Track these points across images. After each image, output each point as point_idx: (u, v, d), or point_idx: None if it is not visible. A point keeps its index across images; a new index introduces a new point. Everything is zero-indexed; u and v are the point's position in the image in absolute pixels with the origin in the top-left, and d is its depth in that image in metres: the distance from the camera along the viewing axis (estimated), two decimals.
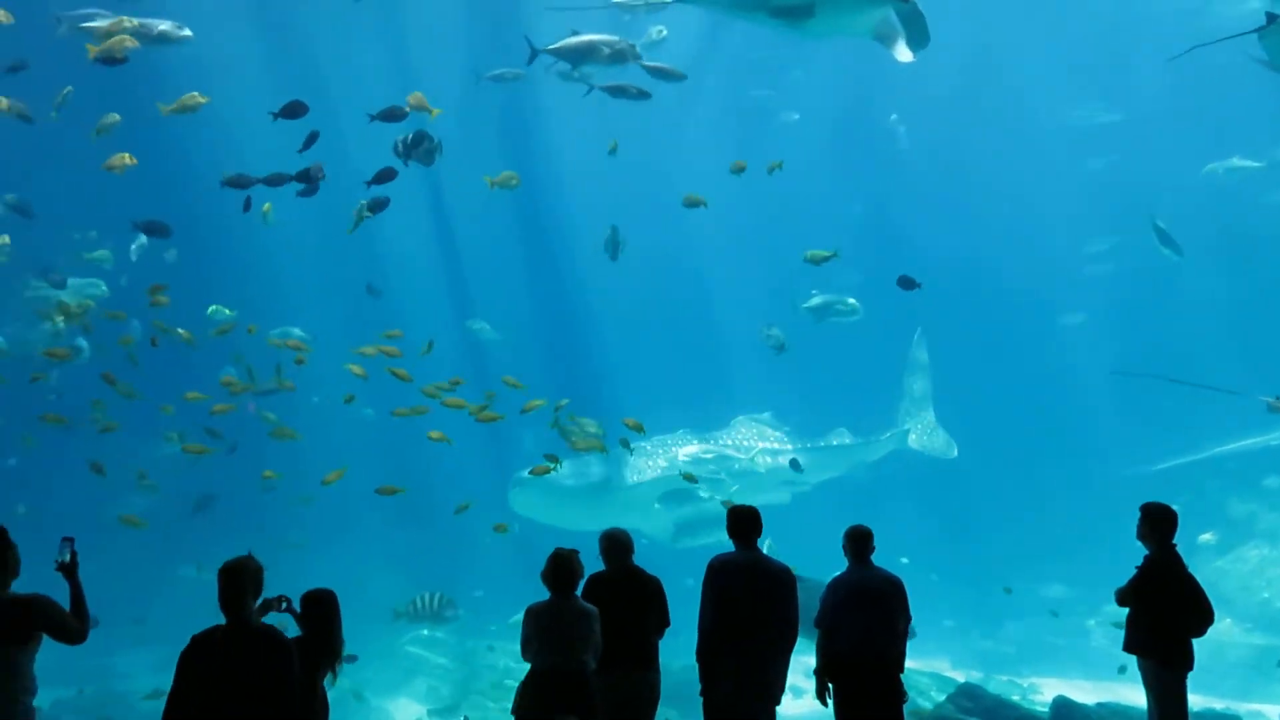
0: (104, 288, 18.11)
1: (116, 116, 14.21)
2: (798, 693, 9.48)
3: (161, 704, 4.98)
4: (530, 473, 16.86)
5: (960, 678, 16.56)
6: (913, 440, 22.11)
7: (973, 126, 28.10)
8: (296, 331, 17.78)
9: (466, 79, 20.28)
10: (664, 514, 19.73)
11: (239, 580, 5.07)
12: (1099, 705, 12.42)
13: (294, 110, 13.02)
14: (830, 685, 6.89)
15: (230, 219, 15.35)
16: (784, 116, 26.42)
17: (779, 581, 6.88)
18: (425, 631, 18.37)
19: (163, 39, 13.86)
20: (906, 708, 7.00)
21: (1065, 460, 26.09)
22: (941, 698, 13.51)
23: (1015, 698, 15.14)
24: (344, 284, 22.23)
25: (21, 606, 5.34)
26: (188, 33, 14.00)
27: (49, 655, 5.53)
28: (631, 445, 17.45)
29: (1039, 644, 20.78)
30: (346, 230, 14.82)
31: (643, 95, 15.40)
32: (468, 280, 26.42)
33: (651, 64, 15.65)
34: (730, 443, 20.51)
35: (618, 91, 15.31)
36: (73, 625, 5.42)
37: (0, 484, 18.02)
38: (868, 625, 6.79)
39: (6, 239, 16.65)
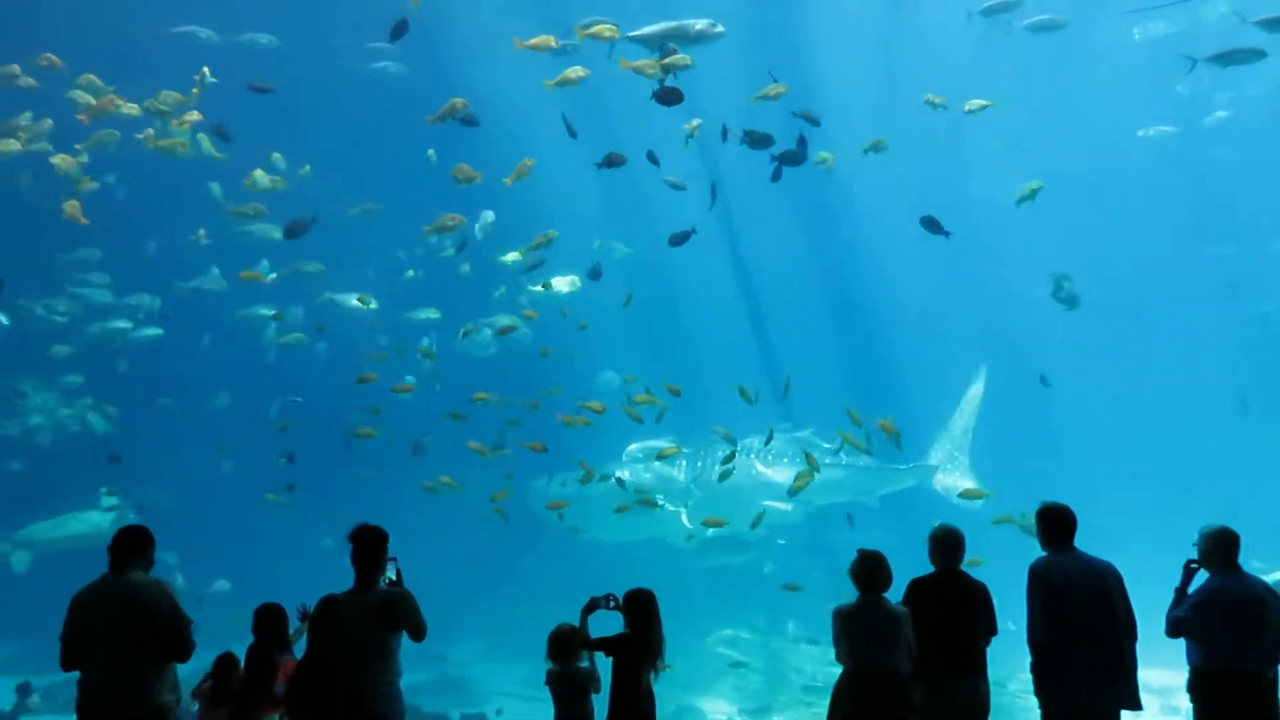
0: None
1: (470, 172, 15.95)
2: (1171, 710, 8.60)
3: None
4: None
5: None
6: (938, 481, 20.04)
7: None
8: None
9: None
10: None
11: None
12: None
13: (612, 161, 14.66)
14: (1195, 701, 6.24)
15: None
16: None
17: (1113, 581, 6.30)
18: (729, 631, 18.68)
19: (700, 37, 14.44)
20: None
21: None
22: None
23: None
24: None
25: (396, 599, 5.93)
26: (721, 29, 14.53)
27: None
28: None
29: None
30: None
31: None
32: (767, 322, 26.66)
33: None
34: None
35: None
36: (423, 625, 6.00)
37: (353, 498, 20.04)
38: (1242, 636, 6.08)
39: (490, 215, 18.06)
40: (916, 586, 6.43)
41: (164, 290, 20.36)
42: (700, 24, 14.37)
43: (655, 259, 21.09)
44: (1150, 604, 6.50)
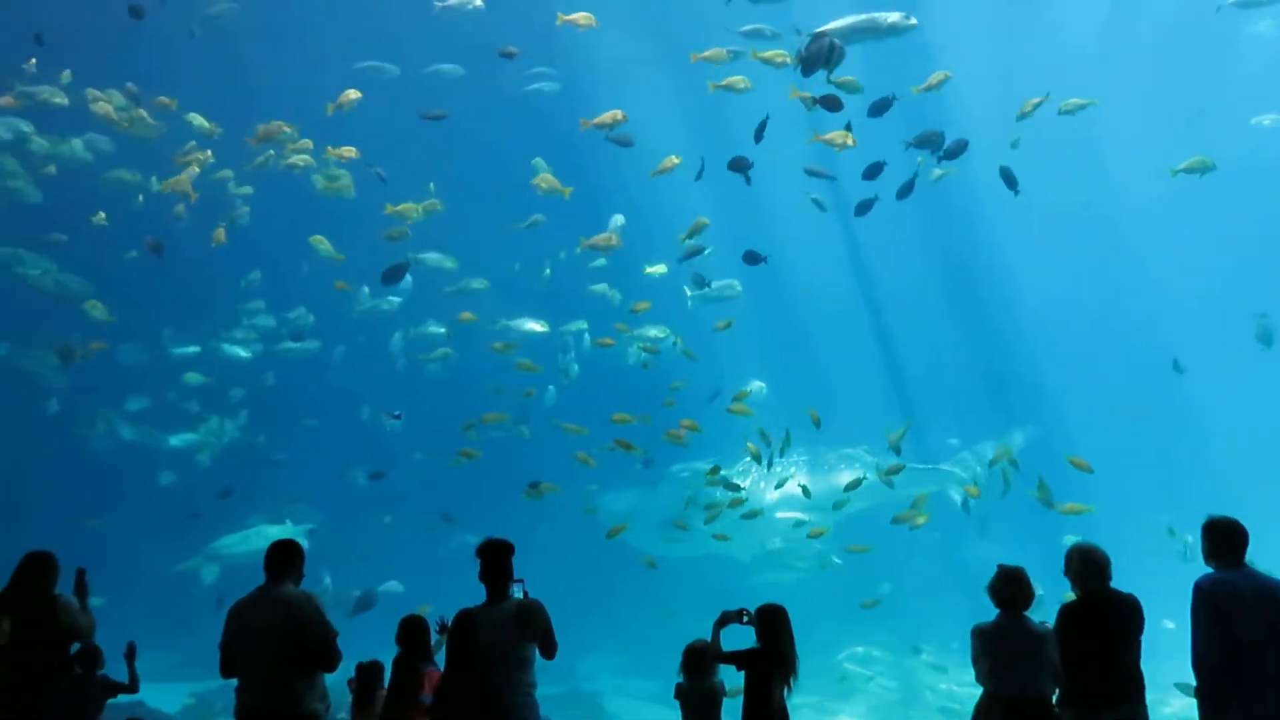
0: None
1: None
2: None
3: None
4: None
5: None
6: (955, 492, 19.19)
7: None
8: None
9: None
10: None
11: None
12: None
13: (739, 165, 14.63)
14: None
15: None
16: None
17: None
18: (860, 649, 18.35)
19: (893, 30, 14.06)
20: None
21: None
22: None
23: None
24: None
25: (531, 609, 6.07)
26: (914, 21, 14.20)
27: None
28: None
29: None
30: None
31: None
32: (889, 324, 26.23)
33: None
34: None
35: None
36: (555, 641, 6.13)
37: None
38: None
39: (621, 219, 18.33)
40: (1067, 613, 6.05)
41: (324, 309, 21.12)
42: (893, 17, 13.76)
43: (773, 268, 20.92)
44: None
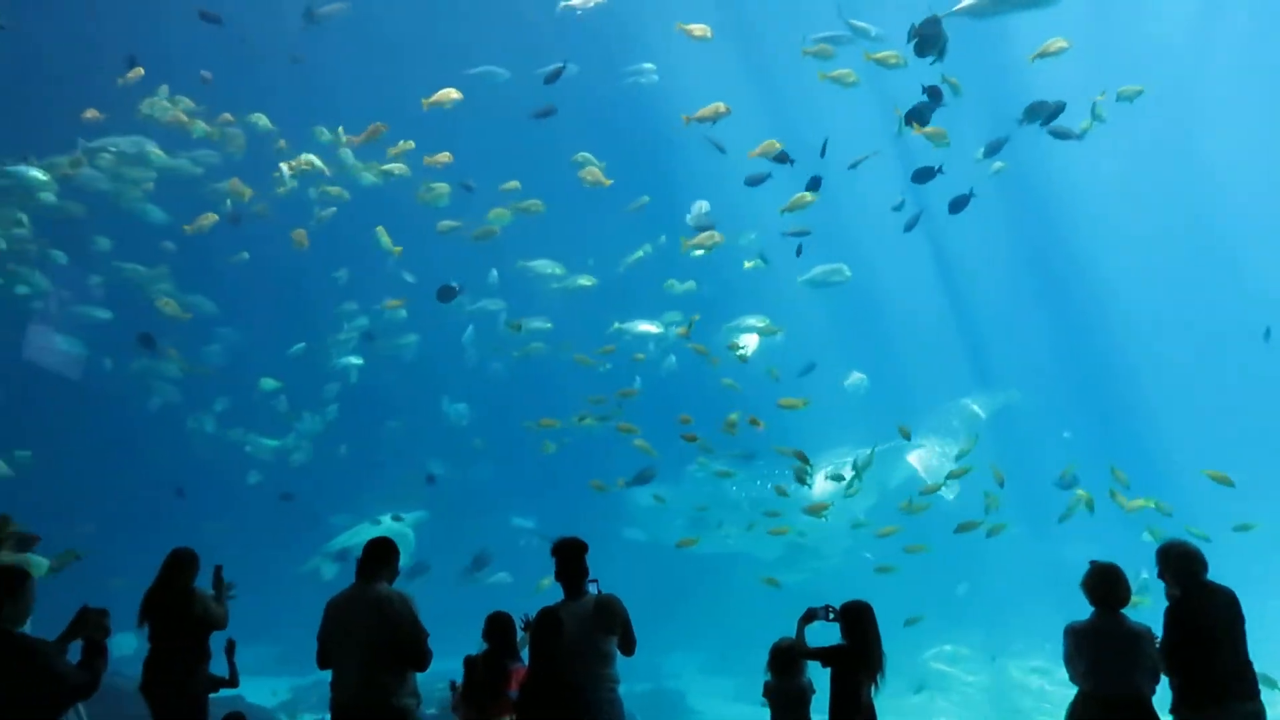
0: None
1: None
2: None
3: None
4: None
5: None
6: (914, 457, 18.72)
7: None
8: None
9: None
10: None
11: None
12: None
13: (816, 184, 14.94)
14: None
15: None
16: None
17: None
18: (949, 647, 18.02)
19: (1035, 2, 13.84)
20: None
21: None
22: None
23: None
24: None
25: (610, 603, 6.14)
26: None
27: None
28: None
29: None
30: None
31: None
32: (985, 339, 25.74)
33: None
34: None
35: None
36: (634, 636, 6.16)
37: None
38: None
39: (705, 205, 18.29)
40: (1173, 611, 5.86)
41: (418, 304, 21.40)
42: None
43: (855, 263, 20.69)
44: None
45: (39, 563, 6.86)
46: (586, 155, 17.71)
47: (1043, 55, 14.52)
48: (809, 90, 17.03)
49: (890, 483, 19.60)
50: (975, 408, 20.92)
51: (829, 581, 17.80)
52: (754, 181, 15.98)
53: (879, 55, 14.35)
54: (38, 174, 17.25)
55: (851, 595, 6.08)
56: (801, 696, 6.20)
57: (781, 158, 14.80)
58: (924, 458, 19.98)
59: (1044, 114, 14.38)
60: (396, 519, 19.69)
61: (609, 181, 17.23)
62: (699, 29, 16.52)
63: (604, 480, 16.92)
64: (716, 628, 19.65)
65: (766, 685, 6.31)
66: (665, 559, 19.46)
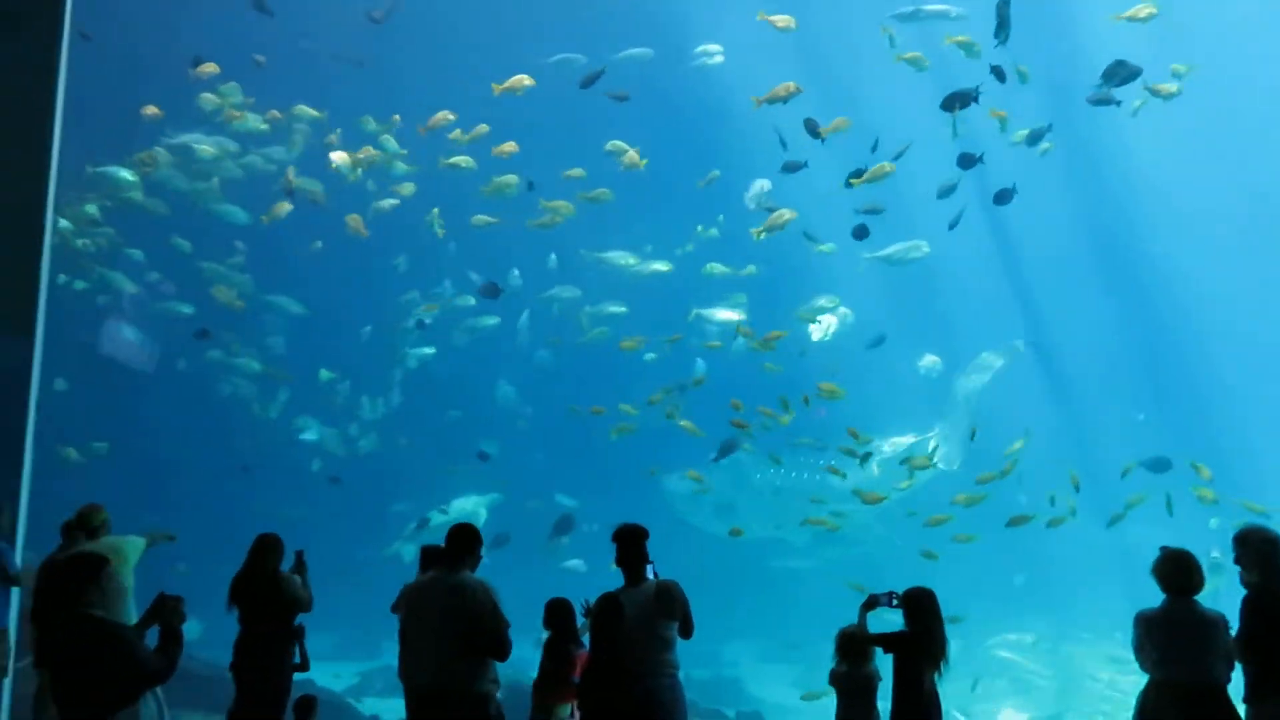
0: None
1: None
2: None
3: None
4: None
5: None
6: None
7: None
8: None
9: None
10: None
11: None
12: None
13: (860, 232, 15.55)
14: None
15: None
16: None
17: None
18: (1013, 636, 17.78)
19: None
20: None
21: None
22: None
23: None
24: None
25: (670, 587, 6.14)
26: None
27: None
28: None
29: None
30: None
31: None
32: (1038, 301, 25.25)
33: None
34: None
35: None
36: (692, 620, 6.17)
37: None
38: None
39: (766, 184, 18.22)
40: (1254, 600, 5.64)
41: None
42: None
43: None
44: None
45: (135, 542, 7.08)
46: (619, 144, 17.68)
47: (1131, 19, 14.31)
48: (862, 71, 16.82)
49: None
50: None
51: (872, 570, 17.83)
52: (791, 168, 15.92)
53: (957, 39, 14.28)
54: (126, 174, 17.72)
55: (905, 583, 6.00)
56: (868, 684, 6.17)
57: (813, 130, 14.78)
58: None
59: (1122, 75, 14.13)
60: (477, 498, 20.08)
61: (644, 162, 17.21)
62: (782, 20, 16.40)
63: (658, 466, 17.01)
64: (766, 615, 19.60)
65: (833, 672, 6.29)
66: (708, 545, 19.43)
